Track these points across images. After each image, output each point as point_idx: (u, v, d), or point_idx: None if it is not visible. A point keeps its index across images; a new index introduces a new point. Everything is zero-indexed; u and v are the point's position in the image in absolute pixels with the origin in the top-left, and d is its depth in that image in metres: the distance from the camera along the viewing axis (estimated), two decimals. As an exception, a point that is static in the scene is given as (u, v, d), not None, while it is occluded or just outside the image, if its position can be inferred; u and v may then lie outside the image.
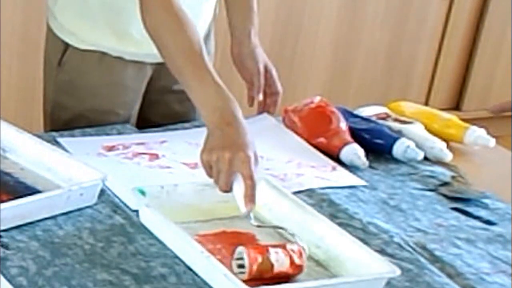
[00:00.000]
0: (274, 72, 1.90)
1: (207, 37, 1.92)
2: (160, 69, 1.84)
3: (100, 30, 1.79)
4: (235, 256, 1.31)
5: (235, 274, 1.27)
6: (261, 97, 1.89)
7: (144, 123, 1.91)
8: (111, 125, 1.83)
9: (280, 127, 1.88)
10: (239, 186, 1.41)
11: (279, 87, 1.91)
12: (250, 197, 1.40)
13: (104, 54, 1.80)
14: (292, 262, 1.31)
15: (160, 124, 1.87)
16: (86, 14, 1.80)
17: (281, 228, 1.42)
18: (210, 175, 1.44)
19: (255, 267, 1.28)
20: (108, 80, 1.84)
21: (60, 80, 1.88)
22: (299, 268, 1.32)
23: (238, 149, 1.41)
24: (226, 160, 1.40)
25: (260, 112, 1.91)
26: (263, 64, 1.89)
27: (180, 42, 1.56)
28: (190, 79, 1.53)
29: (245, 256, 1.29)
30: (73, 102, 1.86)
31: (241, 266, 1.30)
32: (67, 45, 1.84)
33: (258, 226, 1.42)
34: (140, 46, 1.78)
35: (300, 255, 1.32)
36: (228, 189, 1.42)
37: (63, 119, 1.88)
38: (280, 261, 1.30)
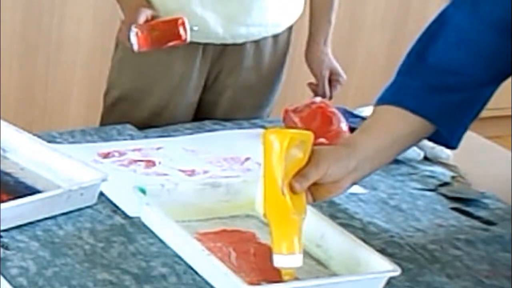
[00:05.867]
0: (340, 79, 2.07)
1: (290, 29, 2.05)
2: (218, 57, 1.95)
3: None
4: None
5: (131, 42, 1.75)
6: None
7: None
8: (112, 125, 1.83)
9: None
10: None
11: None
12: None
13: None
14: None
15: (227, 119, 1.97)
16: None
17: None
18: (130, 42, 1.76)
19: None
20: (152, 59, 1.88)
21: (114, 59, 1.98)
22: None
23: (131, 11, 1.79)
24: (126, 19, 1.80)
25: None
26: (328, 70, 2.04)
27: None
28: None
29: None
30: (122, 80, 1.95)
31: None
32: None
33: None
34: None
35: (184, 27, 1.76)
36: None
37: (112, 97, 1.97)
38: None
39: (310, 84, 2.05)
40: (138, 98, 1.93)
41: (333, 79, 2.04)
